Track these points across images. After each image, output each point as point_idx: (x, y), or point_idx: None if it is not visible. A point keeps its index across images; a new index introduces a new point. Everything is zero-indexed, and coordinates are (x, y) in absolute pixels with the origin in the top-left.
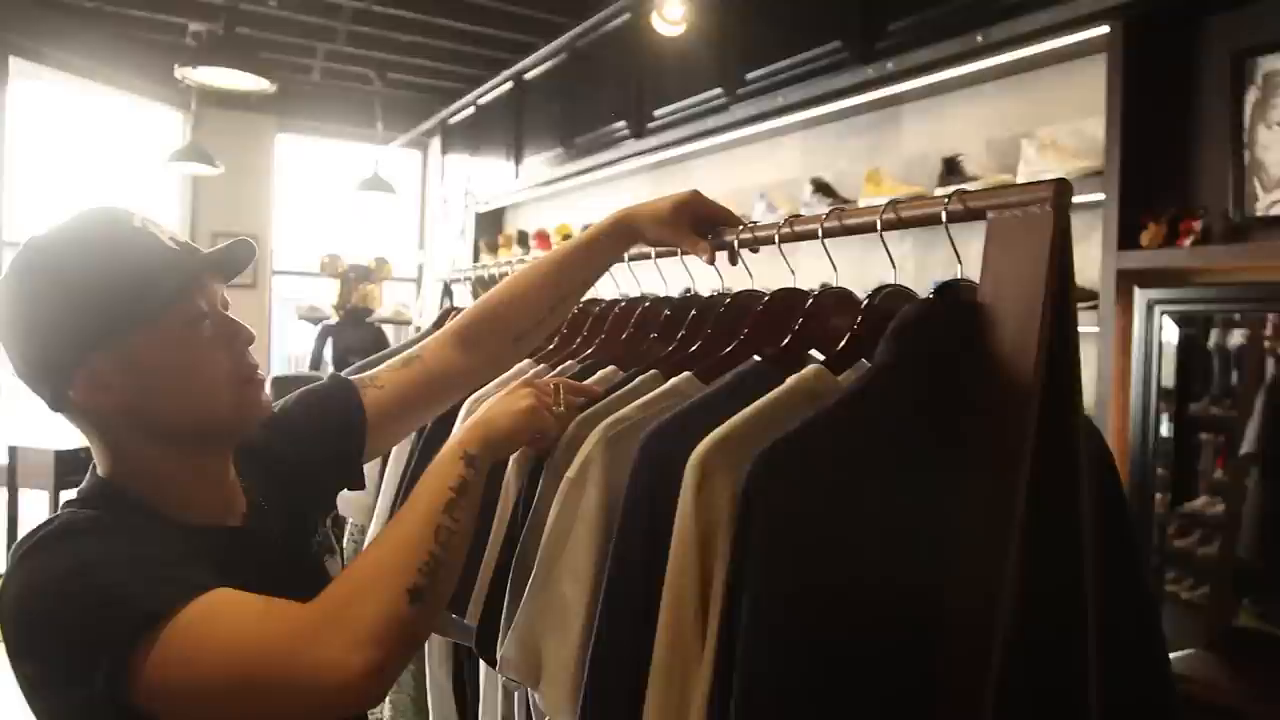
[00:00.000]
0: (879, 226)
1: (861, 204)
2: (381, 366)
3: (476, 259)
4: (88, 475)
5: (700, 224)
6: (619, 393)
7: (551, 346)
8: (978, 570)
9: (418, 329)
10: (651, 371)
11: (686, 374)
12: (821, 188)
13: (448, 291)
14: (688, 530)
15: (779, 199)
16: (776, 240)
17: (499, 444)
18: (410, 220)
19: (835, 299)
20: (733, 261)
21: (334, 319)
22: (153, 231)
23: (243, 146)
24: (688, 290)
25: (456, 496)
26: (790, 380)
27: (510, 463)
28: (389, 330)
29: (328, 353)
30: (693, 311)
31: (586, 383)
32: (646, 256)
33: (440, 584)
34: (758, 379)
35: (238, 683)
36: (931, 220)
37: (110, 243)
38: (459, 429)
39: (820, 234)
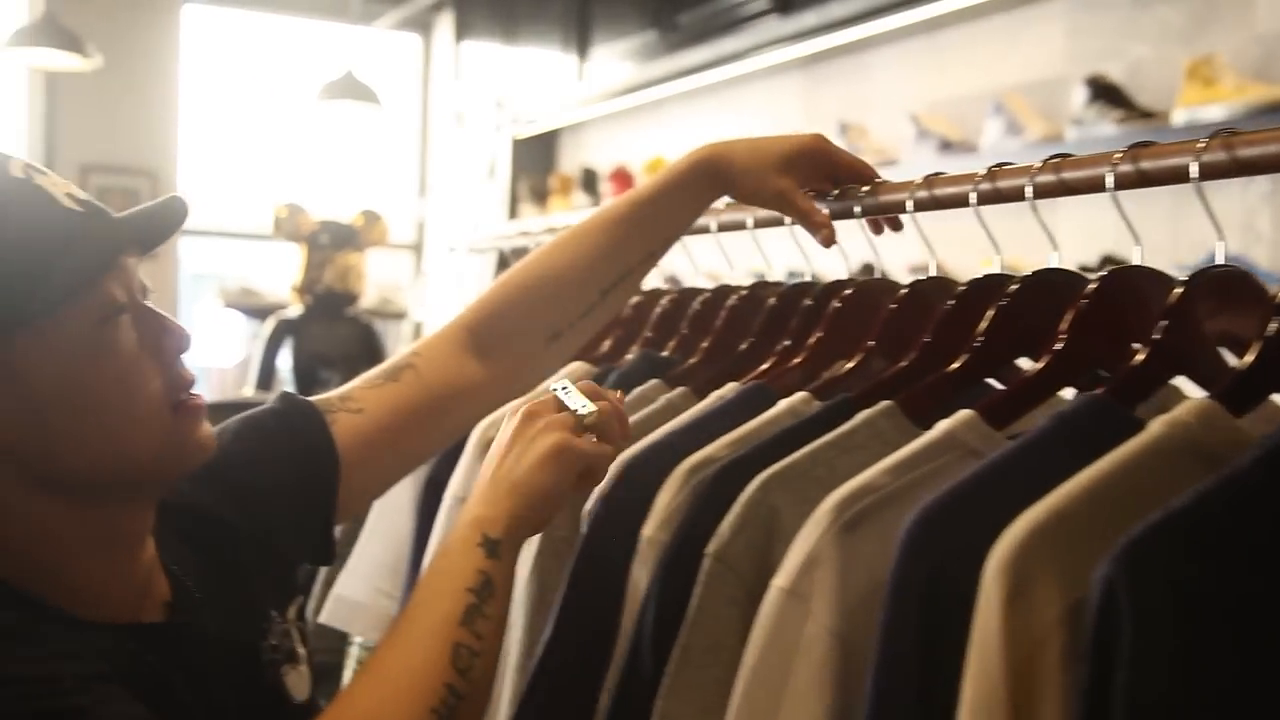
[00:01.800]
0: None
1: (1178, 120)
2: (355, 382)
3: (514, 214)
4: None
5: (820, 183)
6: (822, 442)
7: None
8: None
9: (418, 329)
10: (884, 405)
11: (966, 415)
12: (1105, 91)
13: (504, 267)
14: (994, 660)
15: (1028, 112)
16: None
17: (529, 517)
18: (405, 150)
19: (1220, 285)
20: (877, 230)
21: (293, 310)
22: (41, 185)
23: (128, 25)
24: (869, 268)
25: (477, 602)
26: (1157, 425)
27: (642, 541)
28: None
29: (284, 363)
30: (949, 301)
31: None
32: (740, 227)
33: None
34: (1094, 421)
35: None
36: None
37: None
38: (473, 494)
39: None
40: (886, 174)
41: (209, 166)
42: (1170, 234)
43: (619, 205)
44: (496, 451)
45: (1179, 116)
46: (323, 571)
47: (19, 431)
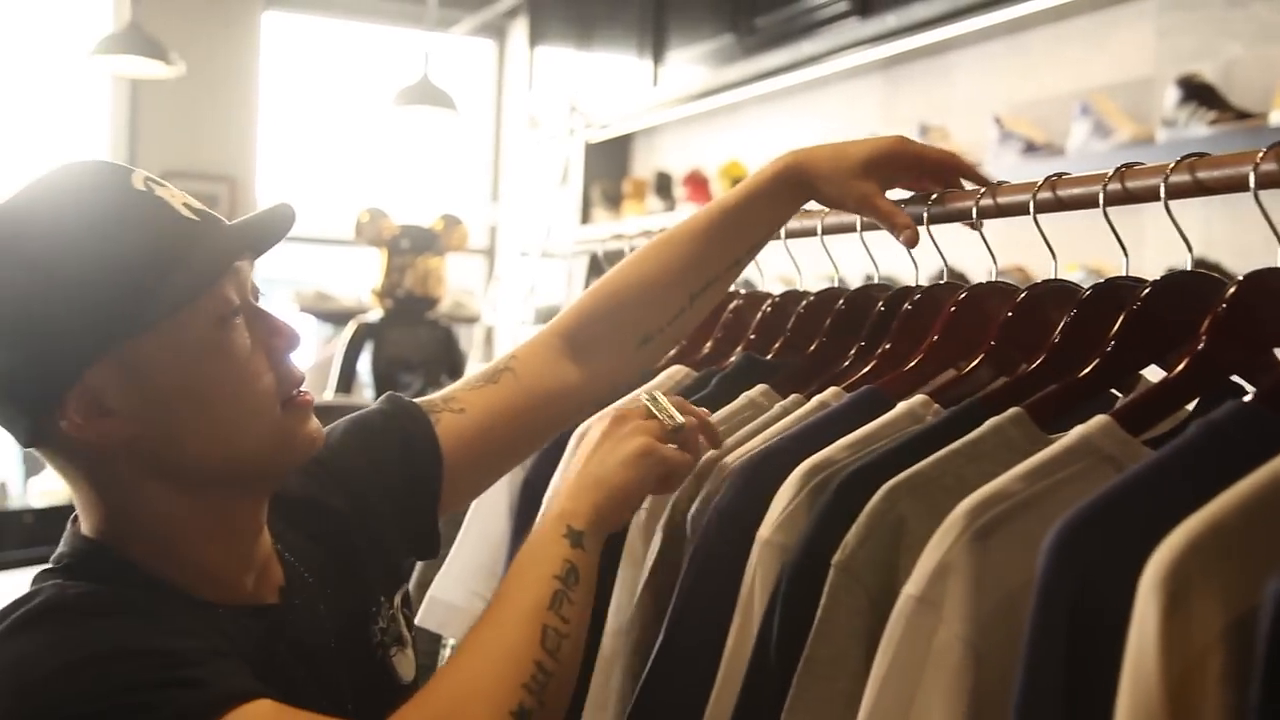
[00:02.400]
0: None
1: (1276, 120)
2: (456, 385)
3: (588, 218)
4: (67, 535)
5: (910, 182)
6: (949, 450)
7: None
8: None
9: (490, 334)
10: (1014, 411)
11: (1102, 420)
12: (1198, 92)
13: (596, 269)
14: (1152, 675)
15: (1116, 113)
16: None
17: (611, 512)
18: (479, 155)
19: None
20: (975, 227)
21: (373, 314)
22: (161, 196)
23: (210, 33)
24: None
25: (564, 588)
26: None
27: (758, 543)
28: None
29: (365, 367)
30: (1073, 308)
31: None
32: (851, 228)
33: (551, 704)
34: (1242, 429)
35: None
36: None
37: (108, 213)
38: (554, 492)
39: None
40: None
41: (287, 172)
42: (1264, 236)
43: (706, 214)
44: (585, 450)
45: (1277, 117)
46: (417, 573)
47: (142, 426)
